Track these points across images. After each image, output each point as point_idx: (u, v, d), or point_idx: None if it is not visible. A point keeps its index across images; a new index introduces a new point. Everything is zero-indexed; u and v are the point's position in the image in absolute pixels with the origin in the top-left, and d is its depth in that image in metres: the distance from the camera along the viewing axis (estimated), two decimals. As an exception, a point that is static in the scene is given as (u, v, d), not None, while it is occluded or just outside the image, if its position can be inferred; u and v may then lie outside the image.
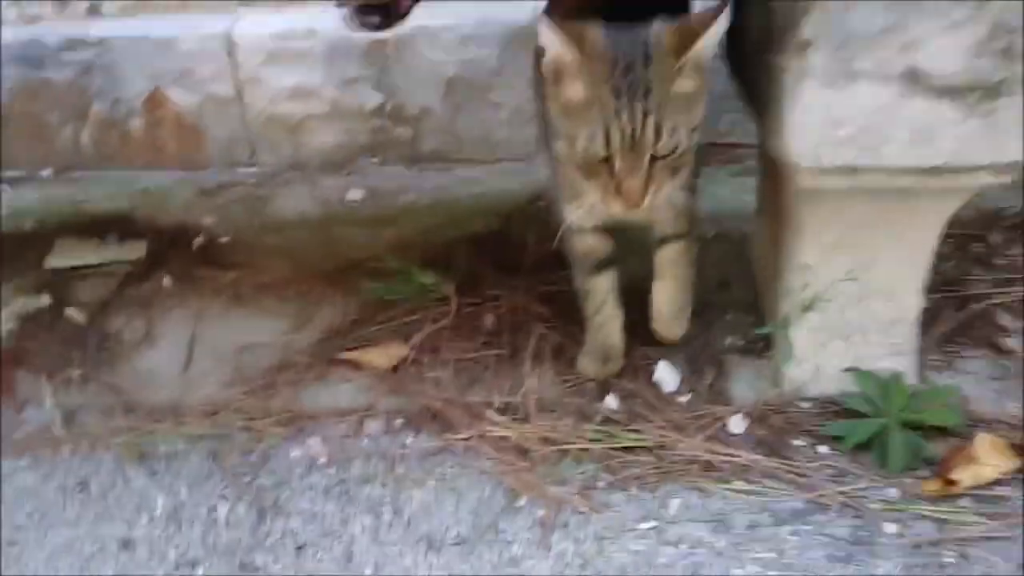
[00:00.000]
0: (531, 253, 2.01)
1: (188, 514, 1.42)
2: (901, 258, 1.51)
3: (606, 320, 1.57)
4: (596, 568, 1.28)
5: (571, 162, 1.22)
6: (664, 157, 1.16)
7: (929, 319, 1.63)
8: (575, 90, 1.17)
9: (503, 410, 1.57)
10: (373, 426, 1.58)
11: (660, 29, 1.17)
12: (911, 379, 1.55)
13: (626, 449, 1.48)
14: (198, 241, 2.18)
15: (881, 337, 1.57)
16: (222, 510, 1.42)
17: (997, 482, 1.38)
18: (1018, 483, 1.37)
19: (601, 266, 1.53)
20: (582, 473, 1.44)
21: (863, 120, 1.30)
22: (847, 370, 1.56)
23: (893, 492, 1.38)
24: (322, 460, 1.51)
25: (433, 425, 1.57)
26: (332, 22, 2.47)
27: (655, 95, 1.13)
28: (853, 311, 1.55)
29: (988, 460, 1.39)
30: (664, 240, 1.50)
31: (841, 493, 1.38)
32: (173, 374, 1.75)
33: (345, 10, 2.37)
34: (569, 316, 1.74)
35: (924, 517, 1.34)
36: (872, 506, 1.35)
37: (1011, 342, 1.68)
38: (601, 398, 1.58)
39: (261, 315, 1.90)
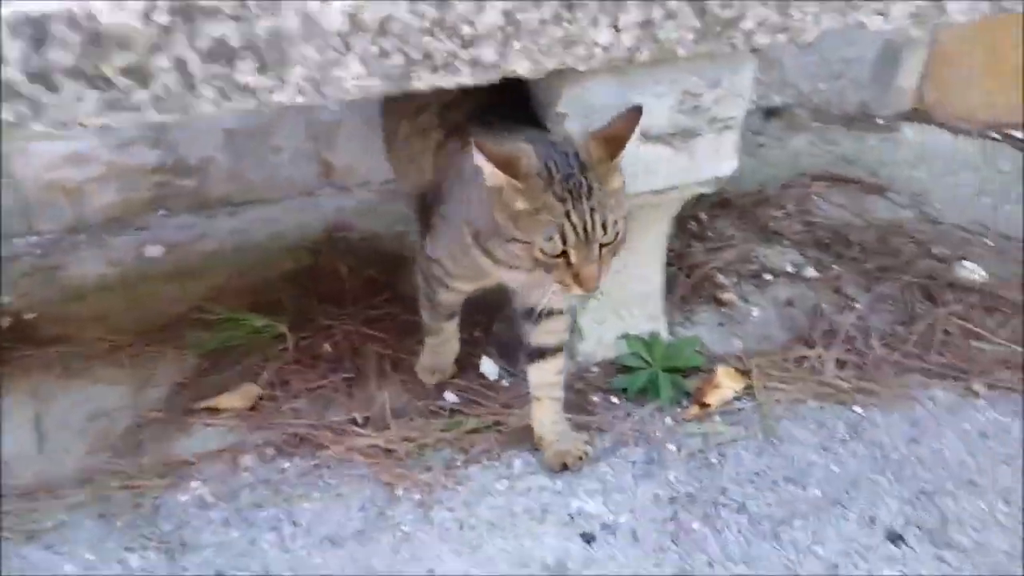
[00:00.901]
0: (349, 282, 2.27)
1: (101, 573, 1.54)
2: (647, 247, 1.99)
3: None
4: (471, 525, 1.62)
5: (526, 261, 1.34)
6: (609, 244, 1.33)
7: (669, 288, 2.13)
8: (520, 203, 1.30)
9: (364, 423, 1.84)
10: (248, 460, 1.78)
11: (585, 140, 1.36)
12: (665, 336, 2.04)
13: (471, 431, 1.82)
14: (4, 322, 2.18)
15: (640, 308, 2.05)
16: (133, 561, 1.57)
17: (736, 399, 1.91)
18: (747, 398, 1.90)
19: (454, 314, 1.82)
20: (442, 458, 1.77)
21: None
22: (620, 337, 2.01)
23: (669, 420, 1.86)
24: (210, 499, 1.69)
25: (304, 448, 1.80)
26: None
27: (595, 195, 1.29)
28: (619, 292, 2.01)
29: (727, 385, 1.92)
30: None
31: (633, 429, 1.83)
32: (30, 456, 1.80)
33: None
34: (399, 333, 2.05)
35: (692, 434, 1.82)
36: (657, 434, 1.82)
37: (728, 296, 2.24)
38: (441, 395, 1.91)
39: (100, 383, 1.99)
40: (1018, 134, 3.13)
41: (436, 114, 1.68)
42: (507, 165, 1.28)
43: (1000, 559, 1.54)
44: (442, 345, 1.87)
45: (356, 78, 1.43)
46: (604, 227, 1.29)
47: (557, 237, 1.27)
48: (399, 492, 1.70)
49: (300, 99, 1.43)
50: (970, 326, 2.10)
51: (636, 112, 1.35)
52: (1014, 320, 2.12)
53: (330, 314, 2.14)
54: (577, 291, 1.33)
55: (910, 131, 3.19)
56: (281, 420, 1.86)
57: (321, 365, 2.01)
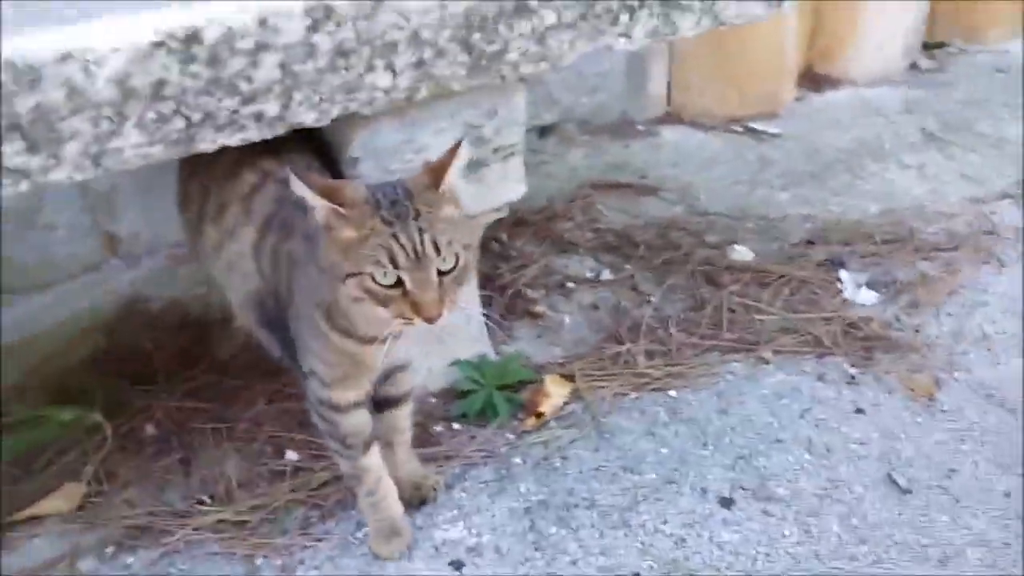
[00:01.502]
0: (157, 357, 2.17)
1: None
2: (460, 275, 2.08)
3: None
4: (342, 580, 1.62)
5: (361, 301, 1.28)
6: (449, 272, 1.27)
7: (486, 308, 2.24)
8: (347, 231, 1.26)
9: (208, 501, 1.77)
10: (87, 564, 1.66)
11: (412, 173, 1.36)
12: (492, 356, 2.14)
13: (321, 486, 1.82)
14: None
15: (464, 333, 2.13)
16: None
17: (565, 404, 2.04)
18: (575, 401, 2.04)
19: (369, 443, 1.57)
20: (295, 519, 1.75)
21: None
22: (451, 364, 2.09)
23: (510, 436, 1.96)
24: (50, 615, 1.57)
25: (145, 539, 1.71)
26: None
27: (424, 218, 1.25)
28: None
29: (555, 392, 2.05)
30: (398, 401, 1.66)
31: (479, 450, 1.91)
32: None
33: None
34: (225, 400, 2.00)
35: (534, 444, 1.93)
36: (502, 450, 1.91)
37: (540, 308, 2.38)
38: (282, 456, 1.89)
39: None
40: (756, 126, 3.56)
41: (241, 211, 1.60)
42: (330, 193, 1.26)
43: (813, 502, 1.77)
44: (378, 494, 1.62)
45: (136, 147, 1.40)
46: (436, 248, 1.24)
47: (386, 260, 1.23)
48: (259, 561, 1.66)
49: (79, 175, 1.38)
50: (749, 302, 2.38)
51: (458, 144, 1.36)
52: (783, 289, 2.42)
53: (145, 394, 2.04)
54: (419, 323, 1.27)
55: (667, 133, 3.53)
56: (114, 515, 1.75)
57: (147, 449, 1.91)
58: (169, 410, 1.99)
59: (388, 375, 1.64)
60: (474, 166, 1.81)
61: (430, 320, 1.26)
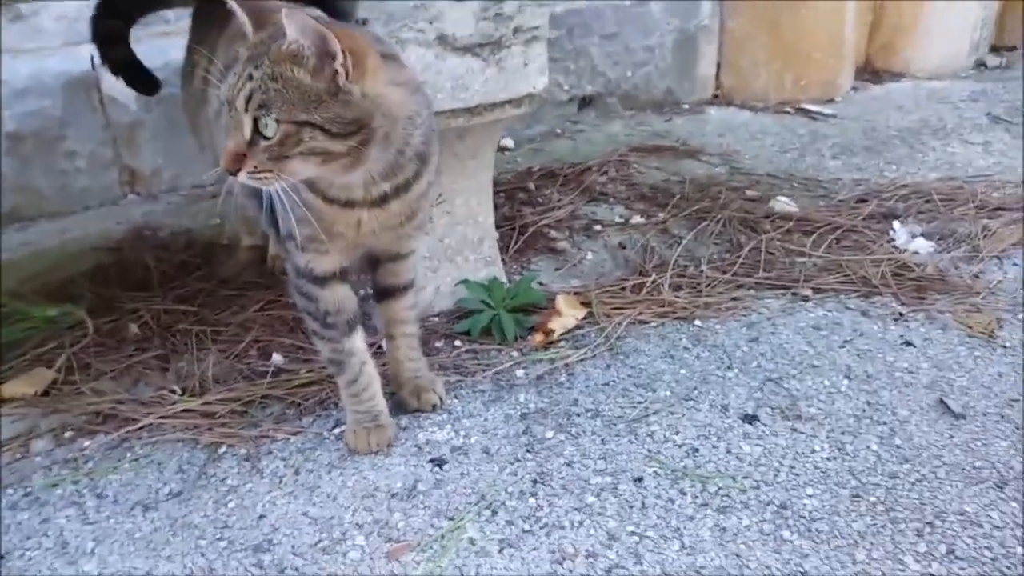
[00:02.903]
0: (156, 271, 2.08)
1: None
2: (472, 190, 1.94)
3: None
4: (308, 469, 1.45)
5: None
6: (268, 140, 1.17)
7: (503, 245, 2.09)
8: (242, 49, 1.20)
9: (178, 392, 1.64)
10: (40, 445, 1.54)
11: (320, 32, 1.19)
12: (503, 280, 1.99)
13: (302, 386, 1.67)
14: None
15: (475, 254, 1.98)
16: None
17: (577, 327, 1.86)
18: (590, 325, 1.86)
19: (352, 324, 1.44)
20: (270, 414, 1.60)
21: (421, 77, 1.68)
22: (458, 283, 1.94)
23: (515, 353, 1.78)
24: (-7, 488, 1.44)
25: (107, 425, 1.58)
26: None
27: (259, 72, 1.17)
28: (450, 237, 1.94)
29: (568, 312, 1.87)
30: (395, 291, 1.53)
31: (482, 364, 1.74)
32: None
33: None
34: (215, 307, 1.89)
35: (539, 360, 1.75)
36: (504, 365, 1.73)
37: (561, 245, 2.23)
38: (268, 357, 1.75)
39: None
40: (810, 107, 3.38)
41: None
42: (261, 21, 1.19)
43: (849, 422, 1.54)
44: (360, 382, 1.47)
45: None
46: (247, 103, 1.13)
47: (222, 93, 1.17)
48: (222, 450, 1.51)
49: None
50: (791, 246, 2.18)
51: (362, 22, 1.27)
52: (828, 237, 2.21)
53: (136, 299, 1.95)
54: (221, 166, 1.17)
55: (714, 111, 3.37)
56: (79, 402, 1.64)
57: (128, 346, 1.80)
58: (156, 313, 1.88)
59: (382, 263, 1.51)
60: (493, 46, 1.69)
61: (228, 170, 1.16)
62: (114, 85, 2.38)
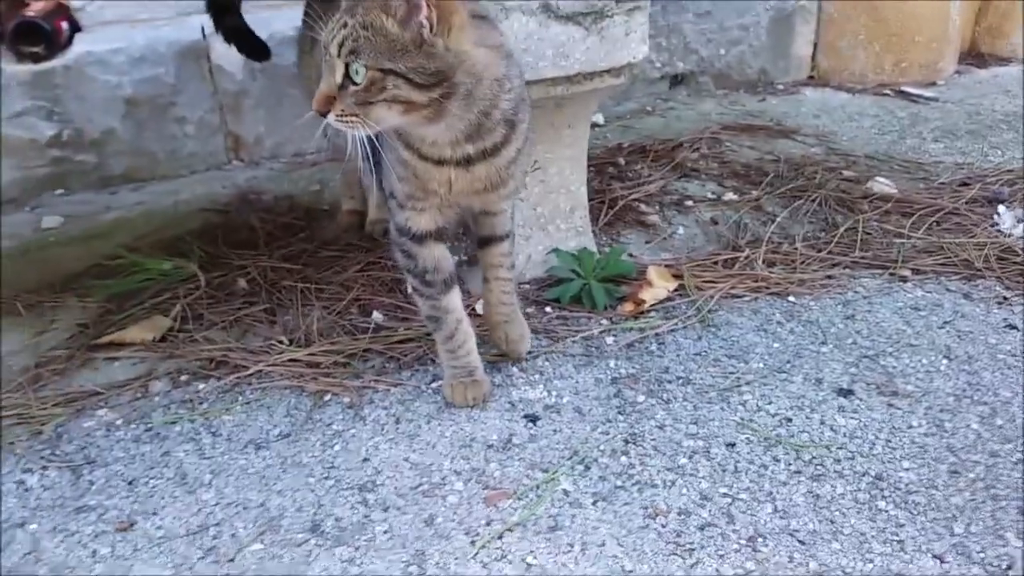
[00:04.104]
0: (262, 231, 2.18)
1: (-8, 495, 1.38)
2: (567, 159, 1.97)
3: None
4: (408, 419, 1.51)
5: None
6: (357, 86, 1.24)
7: (593, 217, 2.11)
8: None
9: (285, 342, 1.72)
10: (159, 386, 1.64)
11: None
12: (593, 251, 2.01)
13: (401, 342, 1.73)
14: None
15: (566, 223, 2.01)
16: (32, 480, 1.40)
17: (668, 298, 1.88)
18: (681, 297, 1.87)
19: (449, 283, 1.50)
20: (372, 367, 1.67)
21: (522, 45, 1.72)
22: (549, 252, 1.97)
23: (605, 321, 1.81)
24: (119, 422, 1.55)
25: (220, 371, 1.67)
26: (-15, 57, 2.41)
27: (355, 20, 1.24)
28: (543, 206, 1.98)
29: (659, 283, 1.89)
30: (491, 240, 1.55)
31: (572, 331, 1.77)
32: (-92, 400, 1.62)
33: (-1, 46, 2.34)
34: (319, 266, 1.97)
35: (629, 329, 1.77)
36: (594, 331, 1.76)
37: (652, 219, 2.23)
38: (369, 315, 1.82)
39: (-9, 333, 1.83)
40: (910, 89, 3.29)
41: None
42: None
43: (949, 400, 1.52)
44: (456, 338, 1.52)
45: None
46: (339, 47, 1.20)
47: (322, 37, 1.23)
48: (327, 398, 1.59)
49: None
50: (889, 227, 2.14)
51: None
52: (928, 219, 2.17)
53: (244, 256, 2.05)
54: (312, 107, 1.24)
55: (809, 92, 3.31)
56: (193, 349, 1.74)
57: (237, 300, 1.90)
58: (263, 269, 1.97)
59: (477, 217, 1.56)
60: (596, 15, 1.71)
61: (318, 111, 1.23)
62: (223, 54, 2.50)
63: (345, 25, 1.21)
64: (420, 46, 1.20)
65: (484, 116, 1.31)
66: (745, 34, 3.30)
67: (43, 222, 2.37)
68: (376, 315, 1.82)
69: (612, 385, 1.59)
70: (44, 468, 1.43)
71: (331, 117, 1.23)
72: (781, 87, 3.38)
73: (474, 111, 1.29)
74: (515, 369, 1.64)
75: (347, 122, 1.23)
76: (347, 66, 1.20)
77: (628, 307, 1.84)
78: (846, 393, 1.55)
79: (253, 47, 2.17)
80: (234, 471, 1.41)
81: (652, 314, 1.83)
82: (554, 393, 1.58)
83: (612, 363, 1.67)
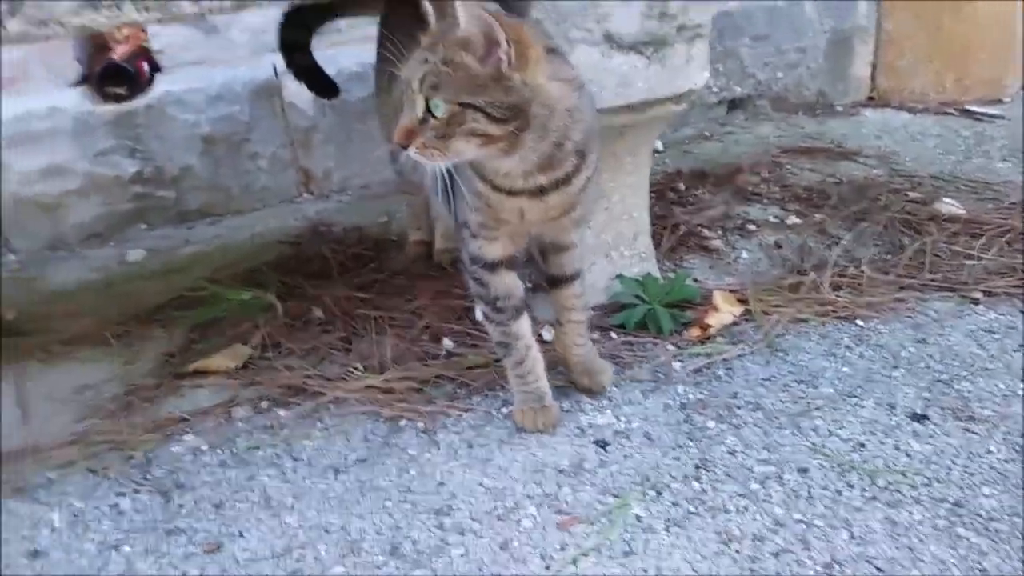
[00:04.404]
0: (334, 261, 2.25)
1: (90, 516, 1.45)
2: (629, 186, 2.00)
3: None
4: (480, 444, 1.55)
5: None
6: (438, 120, 1.29)
7: (656, 242, 2.13)
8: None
9: (361, 370, 1.78)
10: (241, 412, 1.71)
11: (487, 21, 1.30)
12: (657, 276, 2.03)
13: (470, 369, 1.77)
14: (-21, 323, 2.11)
15: (630, 250, 2.04)
16: (125, 503, 1.47)
17: (734, 323, 1.88)
18: (747, 321, 1.88)
19: (519, 310, 1.54)
20: (444, 392, 1.71)
21: (587, 75, 1.76)
22: (613, 279, 1.99)
23: (671, 347, 1.82)
24: (205, 447, 1.62)
25: (299, 397, 1.73)
26: (73, 99, 2.55)
27: (434, 56, 1.31)
28: (607, 234, 2.01)
29: (725, 308, 1.90)
30: (562, 281, 1.60)
31: (639, 356, 1.80)
32: (13, 425, 1.72)
33: (84, 87, 2.49)
34: (391, 295, 2.03)
35: (696, 355, 1.79)
36: (660, 357, 1.78)
37: (715, 244, 2.25)
38: (439, 342, 1.87)
39: (84, 362, 1.92)
40: (974, 108, 3.24)
41: None
42: (439, 8, 1.32)
43: (1027, 425, 1.50)
44: (526, 364, 1.56)
45: None
46: (421, 82, 1.25)
47: (401, 75, 1.29)
48: (402, 424, 1.63)
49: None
50: (958, 248, 2.12)
51: (525, 20, 1.34)
52: (999, 241, 2.13)
53: (318, 286, 2.12)
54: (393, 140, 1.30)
55: (869, 113, 3.29)
56: (273, 376, 1.80)
57: (313, 328, 1.96)
58: (337, 299, 2.04)
59: (548, 254, 1.60)
60: (657, 44, 1.75)
61: (399, 143, 1.28)
62: (294, 92, 2.60)
63: (426, 61, 1.27)
64: (498, 80, 1.26)
65: (557, 147, 1.35)
66: (803, 56, 3.30)
67: (128, 256, 2.48)
68: (446, 341, 1.87)
69: (681, 411, 1.61)
70: (136, 491, 1.50)
71: (412, 150, 1.29)
72: (840, 109, 3.36)
73: (548, 142, 1.33)
74: (583, 395, 1.67)
75: (426, 155, 1.29)
76: (427, 100, 1.26)
77: (694, 332, 1.85)
78: (920, 418, 1.54)
79: (323, 85, 2.26)
80: (315, 495, 1.46)
81: (719, 339, 1.84)
82: (623, 419, 1.60)
83: (680, 389, 1.68)
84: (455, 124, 1.26)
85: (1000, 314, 1.85)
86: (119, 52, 2.64)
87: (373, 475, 1.50)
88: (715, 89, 3.20)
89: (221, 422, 1.69)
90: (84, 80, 2.62)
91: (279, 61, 2.34)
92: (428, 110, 1.27)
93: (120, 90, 2.54)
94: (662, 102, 1.83)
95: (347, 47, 2.63)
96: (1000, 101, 3.33)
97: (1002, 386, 1.61)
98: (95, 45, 2.68)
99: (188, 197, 2.69)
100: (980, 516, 1.29)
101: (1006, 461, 1.41)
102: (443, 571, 1.27)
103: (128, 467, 1.57)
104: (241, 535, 1.38)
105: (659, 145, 3.01)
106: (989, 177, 2.58)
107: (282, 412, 1.70)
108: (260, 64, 2.68)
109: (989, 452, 1.44)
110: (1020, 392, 1.59)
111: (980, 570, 1.20)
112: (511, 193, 1.42)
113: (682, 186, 2.60)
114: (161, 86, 2.61)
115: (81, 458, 1.60)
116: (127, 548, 1.37)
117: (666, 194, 2.55)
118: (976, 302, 1.91)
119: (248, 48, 2.74)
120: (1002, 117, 3.15)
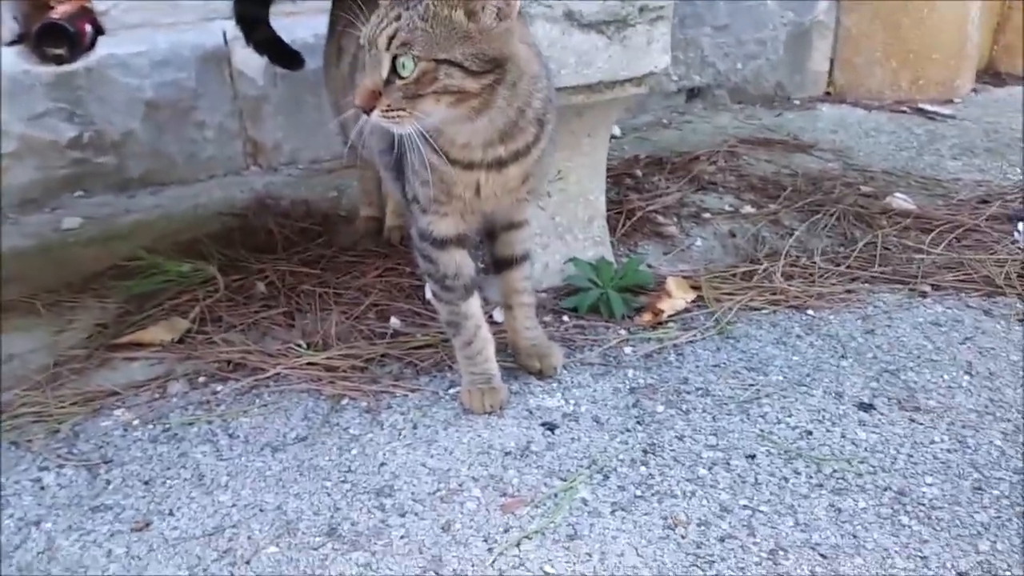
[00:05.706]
0: (280, 236, 2.18)
1: (10, 491, 1.37)
2: (586, 167, 1.97)
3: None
4: (425, 424, 1.51)
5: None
6: (404, 80, 1.23)
7: (611, 227, 2.11)
8: None
9: (303, 346, 1.72)
10: (176, 387, 1.64)
11: None
12: (611, 261, 2.00)
13: (417, 348, 1.73)
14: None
15: (584, 233, 2.01)
16: (48, 478, 1.40)
17: (686, 309, 1.87)
18: (699, 308, 1.87)
19: (470, 289, 1.50)
20: (389, 372, 1.66)
21: (545, 52, 1.72)
22: (567, 262, 1.96)
23: (623, 331, 1.80)
24: (136, 422, 1.55)
25: (238, 373, 1.67)
26: (8, 58, 2.43)
27: (409, 13, 1.24)
28: (561, 215, 1.97)
29: (678, 294, 1.88)
30: (511, 262, 1.57)
31: (590, 340, 1.77)
32: (-73, 398, 1.63)
33: (20, 47, 2.37)
34: (337, 271, 1.97)
35: (647, 339, 1.77)
36: (611, 341, 1.76)
37: (670, 230, 2.23)
38: (387, 320, 1.82)
39: (11, 332, 1.83)
40: (927, 107, 3.28)
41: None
42: None
43: (971, 417, 1.50)
44: (475, 345, 1.52)
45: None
46: (390, 40, 1.19)
47: (362, 33, 1.23)
48: (344, 402, 1.58)
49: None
50: (908, 243, 2.13)
51: None
52: (947, 235, 2.15)
53: (262, 260, 2.05)
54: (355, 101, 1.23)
55: (826, 108, 3.31)
56: (211, 351, 1.74)
57: (255, 303, 1.90)
58: (281, 273, 1.98)
59: (497, 233, 1.57)
60: (618, 24, 1.72)
61: (362, 107, 1.21)
62: (244, 59, 2.51)
63: (398, 18, 1.20)
64: (484, 31, 1.21)
65: (520, 113, 1.32)
66: (762, 48, 3.30)
67: (63, 223, 2.38)
68: (394, 320, 1.82)
69: (630, 395, 1.59)
70: (60, 466, 1.43)
71: (375, 114, 1.22)
72: (797, 102, 3.38)
73: (514, 106, 1.30)
74: (532, 377, 1.63)
75: (392, 118, 1.22)
76: (394, 59, 1.20)
77: (646, 317, 1.83)
78: (867, 407, 1.54)
79: (286, 56, 2.18)
80: (251, 473, 1.40)
81: (670, 325, 1.82)
82: (572, 402, 1.57)
83: (631, 373, 1.66)
84: (426, 83, 1.20)
85: (947, 308, 1.87)
86: (60, 12, 2.52)
87: (312, 454, 1.44)
88: (675, 77, 3.19)
89: (155, 397, 1.62)
90: (20, 39, 2.49)
91: (229, 27, 2.26)
92: (394, 70, 1.20)
93: (60, 51, 2.43)
94: (622, 83, 1.80)
95: (303, 16, 2.55)
96: (952, 101, 3.38)
97: (947, 378, 1.62)
98: (33, 4, 2.55)
99: (129, 164, 2.58)
100: (923, 505, 1.29)
101: (949, 451, 1.42)
102: (382, 553, 1.23)
103: (53, 441, 1.50)
104: (171, 513, 1.32)
105: (617, 131, 2.99)
106: (940, 174, 2.62)
107: (219, 388, 1.64)
108: (209, 30, 2.58)
109: (933, 442, 1.44)
110: (964, 384, 1.60)
111: (921, 557, 1.20)
112: (467, 166, 1.37)
113: (639, 172, 2.58)
114: (104, 48, 2.51)
115: (3, 430, 1.52)
116: (48, 525, 1.30)
117: (623, 180, 2.53)
118: (924, 295, 1.92)
119: (197, 13, 2.64)
120: (953, 117, 3.19)
